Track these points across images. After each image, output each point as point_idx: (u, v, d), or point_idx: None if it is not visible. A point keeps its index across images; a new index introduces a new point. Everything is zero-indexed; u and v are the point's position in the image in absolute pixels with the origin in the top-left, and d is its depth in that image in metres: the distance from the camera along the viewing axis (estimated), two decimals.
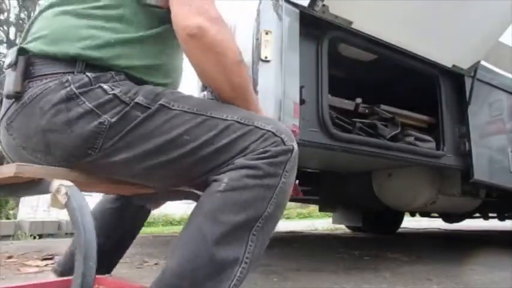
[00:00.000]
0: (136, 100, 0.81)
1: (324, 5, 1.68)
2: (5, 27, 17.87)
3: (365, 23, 1.84)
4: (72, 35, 0.83)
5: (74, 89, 0.79)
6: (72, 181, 0.72)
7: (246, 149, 0.81)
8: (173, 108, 0.83)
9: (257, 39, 1.53)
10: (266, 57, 1.52)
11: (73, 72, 0.81)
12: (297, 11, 1.66)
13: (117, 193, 1.08)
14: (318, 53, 1.76)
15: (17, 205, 8.18)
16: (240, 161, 0.80)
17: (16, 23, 18.19)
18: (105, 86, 0.81)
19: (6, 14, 17.73)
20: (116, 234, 1.11)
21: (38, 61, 0.83)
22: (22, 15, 18.50)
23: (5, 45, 17.95)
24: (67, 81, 0.80)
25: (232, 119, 0.84)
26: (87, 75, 0.81)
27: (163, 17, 0.89)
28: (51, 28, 0.85)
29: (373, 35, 1.90)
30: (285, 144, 0.83)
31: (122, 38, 0.85)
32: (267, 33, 1.54)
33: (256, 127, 0.84)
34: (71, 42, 0.82)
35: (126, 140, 0.80)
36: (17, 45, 0.85)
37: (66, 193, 0.66)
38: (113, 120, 0.79)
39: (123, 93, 0.81)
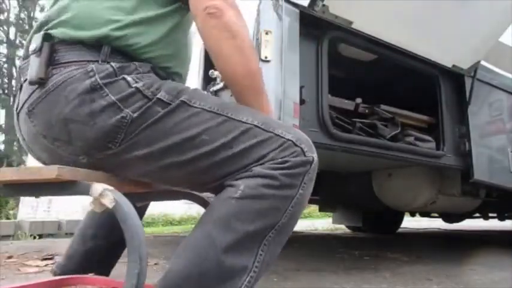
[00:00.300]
0: (158, 96, 0.81)
1: (324, 5, 1.68)
2: (5, 27, 17.88)
3: (365, 23, 1.84)
4: (95, 19, 0.83)
5: (99, 80, 0.79)
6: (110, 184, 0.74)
7: (265, 157, 0.80)
8: (194, 105, 0.82)
9: (257, 39, 1.53)
10: (266, 57, 1.52)
11: (97, 61, 0.81)
12: (297, 11, 1.66)
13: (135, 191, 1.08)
14: (318, 53, 1.76)
15: (17, 205, 8.18)
16: (257, 169, 0.79)
17: (16, 23, 18.19)
18: (128, 78, 0.81)
19: (6, 14, 17.75)
20: (113, 235, 1.10)
21: (62, 48, 0.83)
22: (22, 15, 18.51)
23: (5, 45, 17.97)
24: (92, 70, 0.80)
25: (252, 123, 0.82)
26: (111, 65, 0.81)
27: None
28: (73, 13, 0.84)
29: (373, 35, 1.90)
30: (305, 155, 0.82)
31: (145, 17, 0.86)
32: (267, 33, 1.53)
33: (276, 135, 0.82)
34: (95, 26, 0.83)
35: (146, 136, 0.80)
36: (40, 32, 0.85)
37: (114, 198, 0.68)
38: (135, 115, 0.79)
39: (146, 87, 0.81)
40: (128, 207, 0.69)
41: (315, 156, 0.84)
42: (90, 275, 1.03)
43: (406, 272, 2.10)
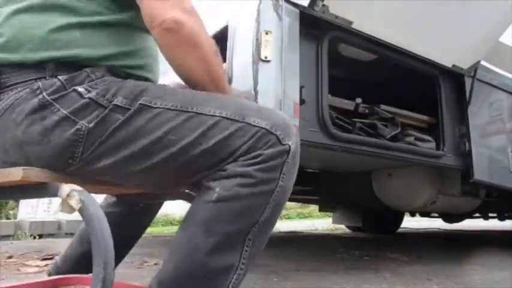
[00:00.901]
0: (115, 102, 0.76)
1: (324, 5, 1.68)
2: None
3: (365, 23, 1.83)
4: (32, 37, 0.78)
5: (47, 96, 0.75)
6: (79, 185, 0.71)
7: (237, 151, 0.76)
8: (155, 106, 0.77)
9: (257, 39, 1.53)
10: (266, 57, 1.52)
11: (44, 77, 0.77)
12: (297, 11, 1.65)
13: (119, 193, 1.08)
14: (318, 53, 1.76)
15: (17, 205, 8.18)
16: (231, 168, 0.75)
17: None
18: (80, 89, 0.76)
19: None
20: (115, 239, 1.10)
21: (5, 69, 0.78)
22: None
23: None
24: (38, 88, 0.76)
25: (220, 115, 0.77)
26: (59, 79, 0.76)
27: (125, 3, 0.85)
28: (8, 33, 0.79)
29: (373, 35, 1.90)
30: (281, 143, 0.77)
31: (82, 24, 0.80)
32: (267, 33, 1.53)
33: (248, 124, 0.77)
34: (34, 45, 0.78)
35: (107, 146, 0.76)
36: None
37: (80, 199, 0.66)
38: (91, 125, 0.75)
39: (101, 95, 0.76)
40: (94, 208, 0.66)
41: (292, 142, 0.78)
42: (90, 275, 1.03)
43: (406, 272, 2.10)
